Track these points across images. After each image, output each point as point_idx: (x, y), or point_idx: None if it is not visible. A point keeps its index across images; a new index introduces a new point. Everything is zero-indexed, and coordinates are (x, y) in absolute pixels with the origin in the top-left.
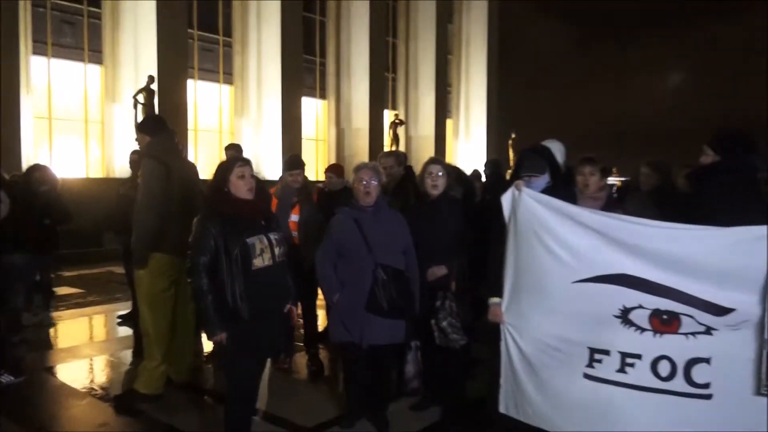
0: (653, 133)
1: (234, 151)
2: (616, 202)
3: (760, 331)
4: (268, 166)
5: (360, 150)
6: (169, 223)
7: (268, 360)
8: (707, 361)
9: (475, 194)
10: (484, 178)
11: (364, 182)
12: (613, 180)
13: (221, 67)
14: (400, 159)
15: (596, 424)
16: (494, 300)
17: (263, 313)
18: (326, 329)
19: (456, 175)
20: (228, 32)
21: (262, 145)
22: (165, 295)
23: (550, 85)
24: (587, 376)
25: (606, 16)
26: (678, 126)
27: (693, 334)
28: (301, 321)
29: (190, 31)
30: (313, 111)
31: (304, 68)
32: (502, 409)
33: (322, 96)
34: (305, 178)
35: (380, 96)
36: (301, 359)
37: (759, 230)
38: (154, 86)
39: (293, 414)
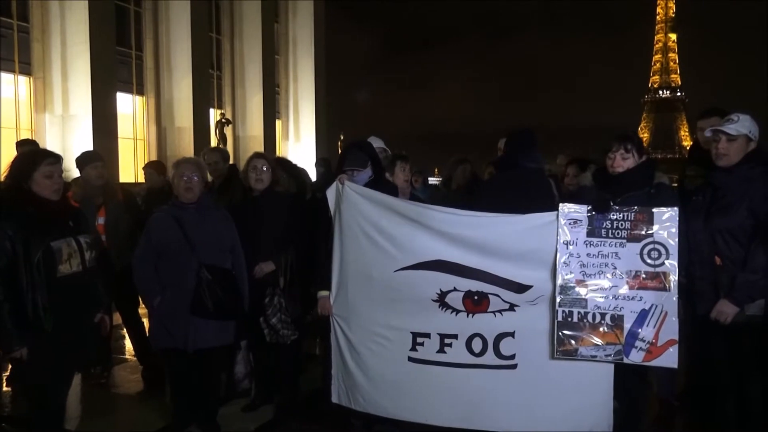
0: (467, 133)
1: (30, 147)
2: (416, 196)
3: (552, 304)
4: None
5: (184, 150)
6: None
7: (80, 376)
8: (512, 334)
9: (307, 189)
10: (315, 176)
11: (185, 177)
12: (433, 180)
13: (17, 55)
14: (225, 155)
15: (423, 404)
16: (322, 293)
17: (70, 324)
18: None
19: (289, 169)
20: (24, 17)
21: (71, 144)
22: None
23: (377, 89)
24: (412, 359)
25: (419, 28)
26: (485, 126)
27: (500, 311)
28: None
29: None
30: (130, 108)
31: (118, 61)
32: (334, 400)
33: (140, 92)
34: (107, 173)
35: (205, 94)
36: (121, 372)
37: (549, 215)
38: None
39: (112, 430)
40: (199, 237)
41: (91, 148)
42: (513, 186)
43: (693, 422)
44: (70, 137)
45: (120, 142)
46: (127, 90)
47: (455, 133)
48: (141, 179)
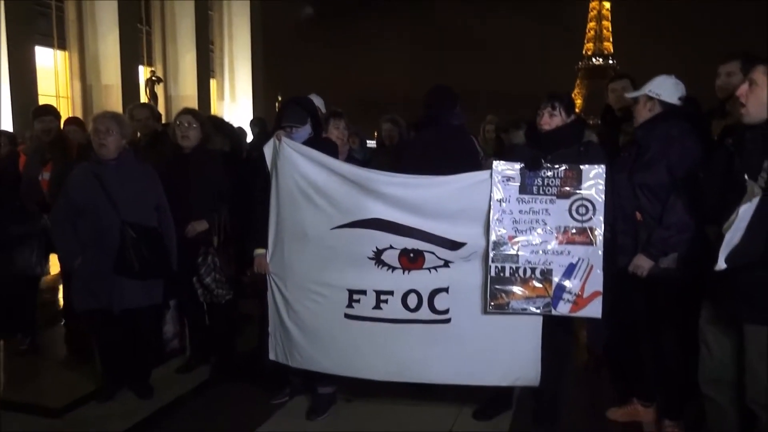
0: (407, 96)
1: None
2: (353, 156)
3: (485, 260)
4: None
5: (111, 109)
6: None
7: (3, 342)
8: (446, 290)
9: (242, 148)
10: (251, 136)
11: (99, 133)
12: (372, 143)
13: None
14: (155, 112)
15: (359, 359)
16: (259, 251)
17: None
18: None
19: (223, 128)
20: None
21: None
22: None
23: (313, 51)
24: (348, 316)
25: None
26: (416, 92)
27: (435, 268)
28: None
29: None
30: (51, 63)
31: (36, 12)
32: (271, 357)
33: (62, 46)
34: (59, 129)
35: (133, 50)
36: (49, 337)
37: (483, 174)
38: None
39: (38, 396)
40: (121, 194)
41: (8, 106)
42: (435, 144)
43: (615, 372)
44: None
45: (41, 99)
46: (47, 44)
47: (394, 97)
48: None
